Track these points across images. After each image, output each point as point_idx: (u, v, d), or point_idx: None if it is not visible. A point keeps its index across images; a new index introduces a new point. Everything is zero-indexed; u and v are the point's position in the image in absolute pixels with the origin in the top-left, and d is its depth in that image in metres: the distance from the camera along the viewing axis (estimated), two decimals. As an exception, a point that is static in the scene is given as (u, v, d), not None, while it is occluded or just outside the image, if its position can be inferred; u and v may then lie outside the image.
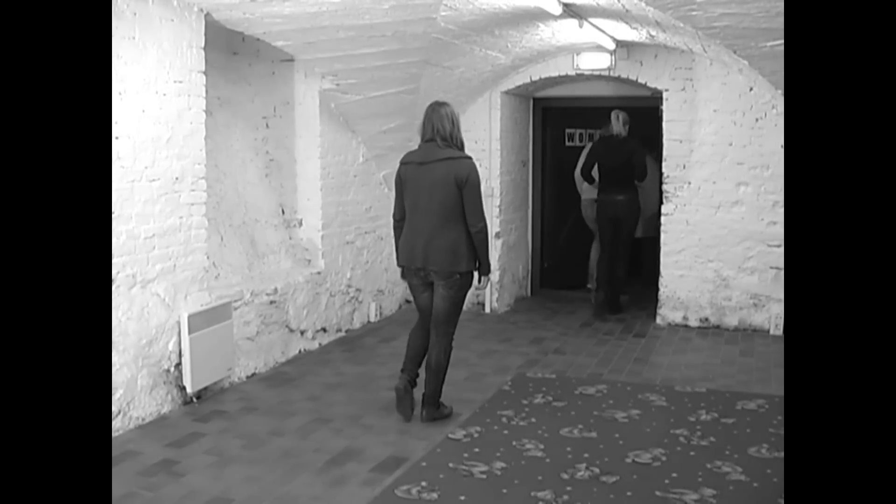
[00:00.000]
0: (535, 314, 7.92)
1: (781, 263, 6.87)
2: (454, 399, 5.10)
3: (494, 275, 7.54)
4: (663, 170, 7.32)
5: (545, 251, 8.94)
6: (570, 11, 5.50)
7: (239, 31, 5.39)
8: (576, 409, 5.09)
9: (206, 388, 5.21)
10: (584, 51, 7.36)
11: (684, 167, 7.23)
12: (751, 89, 6.96)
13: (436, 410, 4.86)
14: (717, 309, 7.25)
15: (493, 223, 7.75)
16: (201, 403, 5.13)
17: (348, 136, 6.92)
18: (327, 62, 5.93)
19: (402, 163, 4.88)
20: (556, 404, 5.17)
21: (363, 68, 6.01)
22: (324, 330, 6.67)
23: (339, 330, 6.90)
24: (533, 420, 4.88)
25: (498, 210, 7.89)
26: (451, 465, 4.19)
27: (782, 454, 4.23)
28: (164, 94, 4.75)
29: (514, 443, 4.51)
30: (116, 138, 4.42)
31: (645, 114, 7.88)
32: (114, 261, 4.45)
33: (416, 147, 4.92)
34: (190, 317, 4.93)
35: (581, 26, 5.94)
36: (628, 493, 3.85)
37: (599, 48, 7.10)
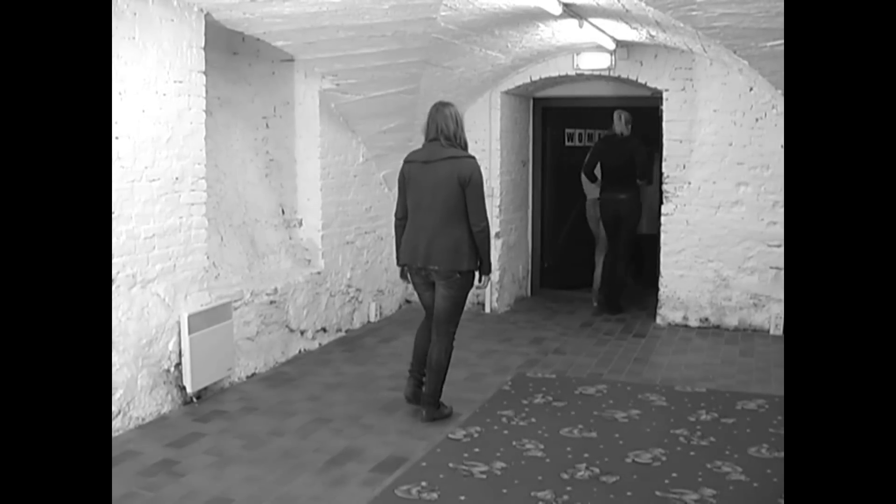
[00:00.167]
0: (535, 314, 7.92)
1: (781, 263, 6.87)
2: (454, 399, 5.10)
3: (494, 275, 7.54)
4: (663, 170, 7.32)
5: (545, 251, 8.95)
6: (570, 11, 5.50)
7: (239, 31, 5.39)
8: (576, 409, 5.09)
9: (206, 388, 5.21)
10: (584, 51, 7.36)
11: (684, 167, 7.23)
12: (751, 89, 6.96)
13: (436, 410, 4.86)
14: (717, 309, 7.25)
15: (494, 223, 7.75)
16: (201, 403, 5.13)
17: (348, 136, 6.92)
18: (327, 62, 5.93)
19: (406, 161, 4.90)
20: (556, 404, 5.17)
21: (363, 68, 6.01)
22: (324, 330, 6.67)
23: (339, 330, 6.90)
24: (533, 420, 4.88)
25: (498, 210, 7.90)
26: (451, 465, 4.19)
27: (782, 454, 4.23)
28: (164, 94, 4.75)
29: (514, 443, 4.51)
30: (116, 138, 4.42)
31: (645, 114, 7.89)
32: (114, 261, 4.45)
33: (416, 146, 4.93)
34: (190, 317, 4.93)
35: (581, 26, 5.94)
36: (628, 493, 3.85)
37: (599, 48, 7.10)
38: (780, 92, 6.57)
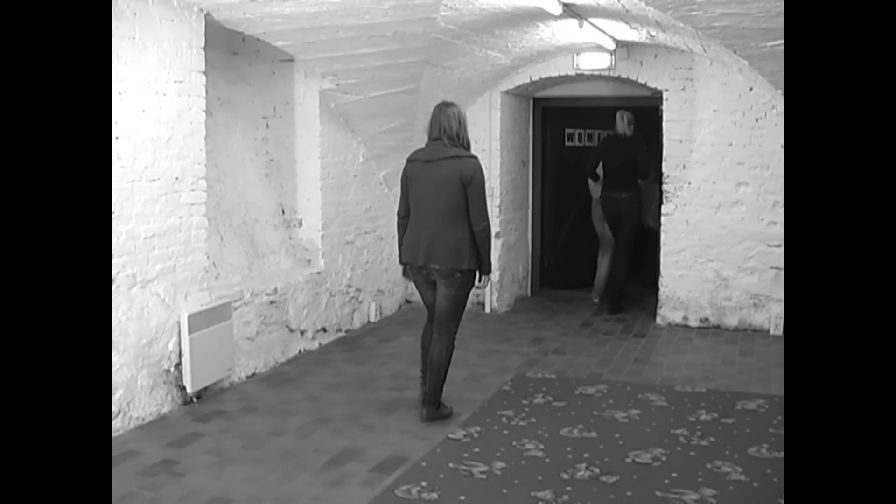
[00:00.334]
0: (535, 314, 7.92)
1: (781, 263, 6.87)
2: (454, 399, 5.10)
3: (494, 275, 7.54)
4: (663, 170, 7.32)
5: (545, 251, 8.95)
6: (570, 11, 5.50)
7: (239, 31, 5.39)
8: (576, 409, 5.09)
9: (206, 388, 5.21)
10: (584, 51, 7.36)
11: (684, 167, 7.23)
12: (751, 89, 6.96)
13: (436, 410, 4.86)
14: (717, 309, 7.25)
15: (494, 223, 7.74)
16: (201, 403, 5.13)
17: (348, 136, 6.92)
18: (327, 62, 5.93)
19: (409, 160, 4.92)
20: (556, 404, 5.17)
21: (363, 68, 6.01)
22: (324, 330, 6.67)
23: (339, 330, 6.90)
24: (533, 420, 4.88)
25: (498, 210, 7.90)
26: (451, 465, 4.19)
27: (782, 454, 4.23)
28: (164, 94, 4.75)
29: (514, 443, 4.51)
30: (116, 138, 4.42)
31: (645, 114, 7.89)
32: (114, 261, 4.45)
33: (416, 146, 4.94)
34: (190, 317, 4.93)
35: (581, 26, 5.94)
36: (628, 493, 3.85)
37: (599, 48, 7.10)
38: (780, 92, 6.57)
